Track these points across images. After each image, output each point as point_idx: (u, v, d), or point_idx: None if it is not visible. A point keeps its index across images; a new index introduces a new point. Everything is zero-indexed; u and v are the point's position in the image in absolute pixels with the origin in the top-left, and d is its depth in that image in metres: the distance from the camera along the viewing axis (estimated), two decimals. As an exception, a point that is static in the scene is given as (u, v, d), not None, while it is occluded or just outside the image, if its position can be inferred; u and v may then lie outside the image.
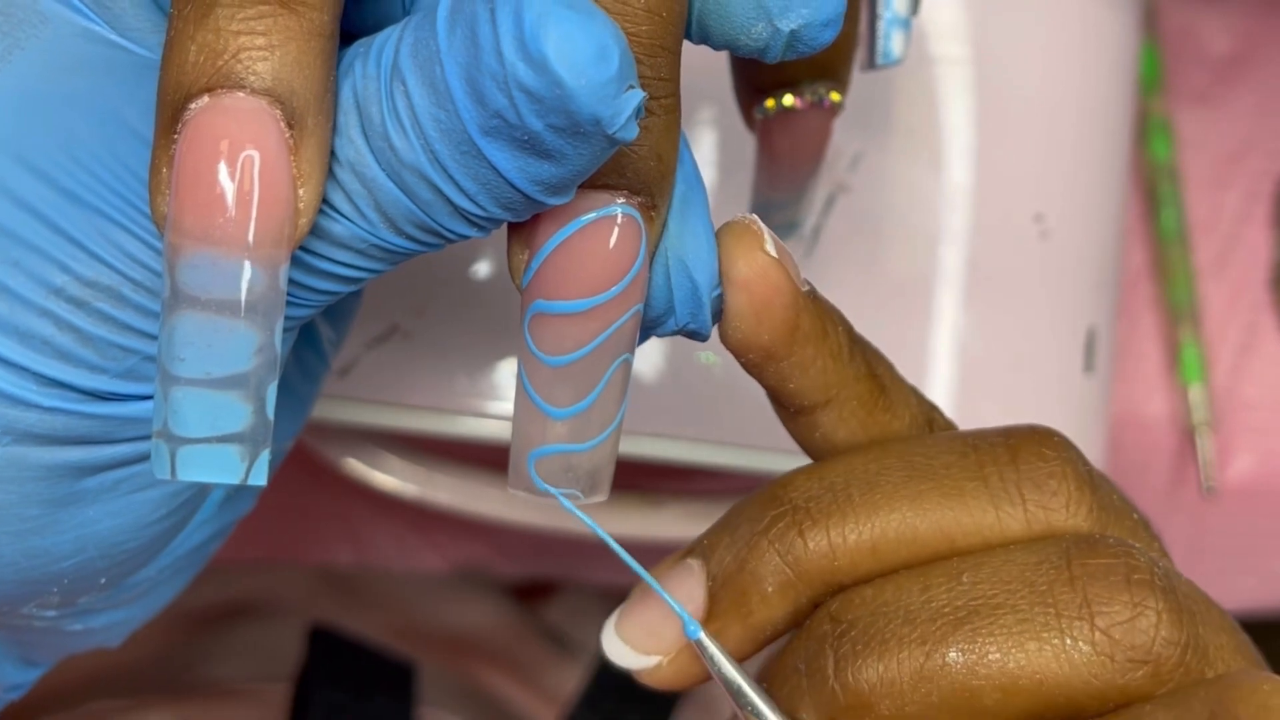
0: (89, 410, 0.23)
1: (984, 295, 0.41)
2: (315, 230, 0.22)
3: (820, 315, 0.26)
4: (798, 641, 0.25)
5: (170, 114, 0.21)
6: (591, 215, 0.23)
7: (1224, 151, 0.53)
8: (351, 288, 0.23)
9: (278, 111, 0.21)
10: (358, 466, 0.45)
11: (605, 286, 0.23)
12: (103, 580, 0.26)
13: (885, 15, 0.32)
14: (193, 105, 0.21)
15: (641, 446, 0.39)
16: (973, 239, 0.41)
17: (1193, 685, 0.23)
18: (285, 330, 0.24)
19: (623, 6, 0.22)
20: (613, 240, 0.23)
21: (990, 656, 0.23)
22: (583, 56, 0.20)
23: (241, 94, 0.21)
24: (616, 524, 0.45)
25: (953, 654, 0.23)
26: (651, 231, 0.24)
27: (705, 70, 0.30)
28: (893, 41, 0.32)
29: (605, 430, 0.25)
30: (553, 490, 0.25)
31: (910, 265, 0.41)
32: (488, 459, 0.46)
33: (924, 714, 0.23)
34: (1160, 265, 0.52)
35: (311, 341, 0.30)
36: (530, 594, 0.57)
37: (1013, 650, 0.23)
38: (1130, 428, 0.52)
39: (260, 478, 0.22)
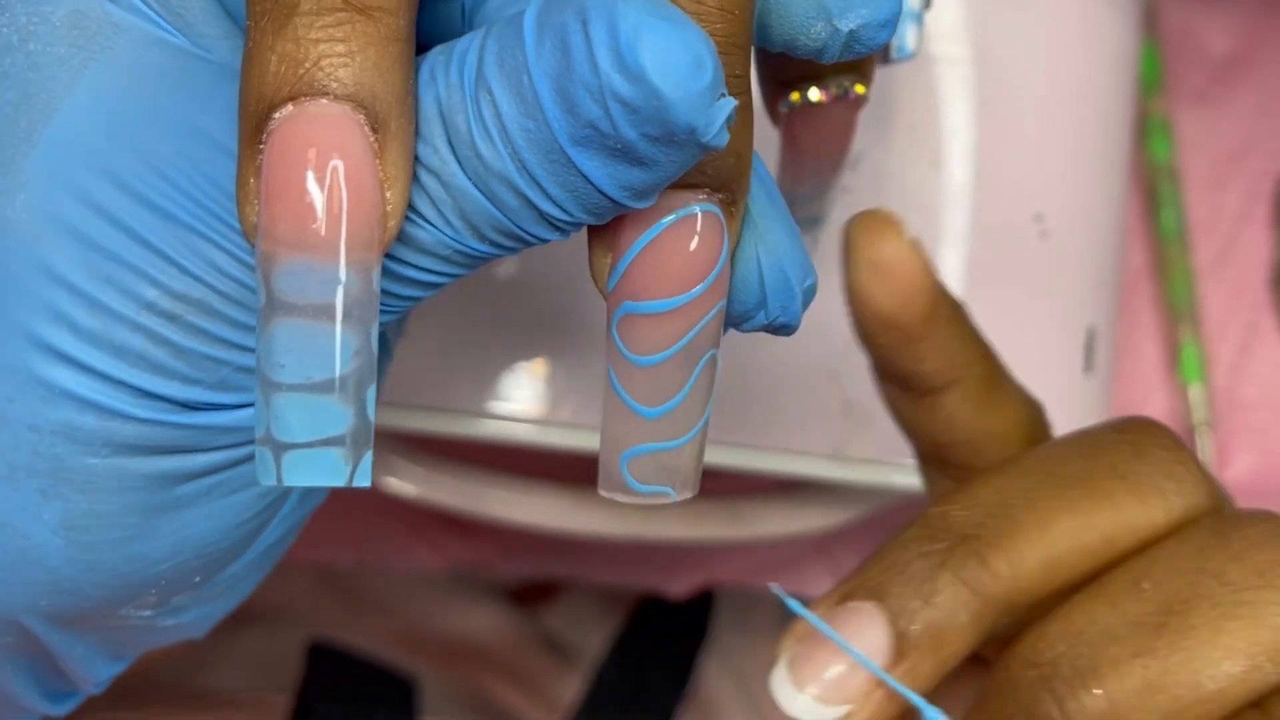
0: (184, 420, 0.23)
1: (984, 295, 0.41)
2: (401, 237, 0.22)
3: (951, 298, 0.27)
4: (1001, 698, 0.25)
5: (254, 124, 0.21)
6: (675, 215, 0.23)
7: (1224, 151, 0.53)
8: (433, 292, 0.24)
9: (361, 116, 0.21)
10: (358, 466, 0.45)
11: (692, 284, 0.23)
12: (197, 579, 0.26)
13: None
14: (277, 115, 0.21)
15: (642, 446, 0.39)
16: (973, 239, 0.41)
17: None
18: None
19: (698, 6, 0.22)
20: (697, 238, 0.23)
21: (1204, 645, 0.24)
22: (679, 67, 0.20)
23: (325, 101, 0.21)
24: (616, 524, 0.45)
25: (1170, 655, 0.24)
26: (733, 227, 0.24)
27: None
28: (906, 36, 0.32)
29: (695, 427, 0.25)
30: (647, 489, 0.25)
31: (910, 265, 0.41)
32: (488, 459, 0.46)
33: None
34: (1160, 265, 0.52)
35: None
36: (530, 597, 0.57)
37: (1220, 634, 0.24)
38: (1130, 428, 0.52)
39: (365, 479, 0.22)
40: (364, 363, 0.22)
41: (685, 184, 0.23)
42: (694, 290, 0.24)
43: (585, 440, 0.39)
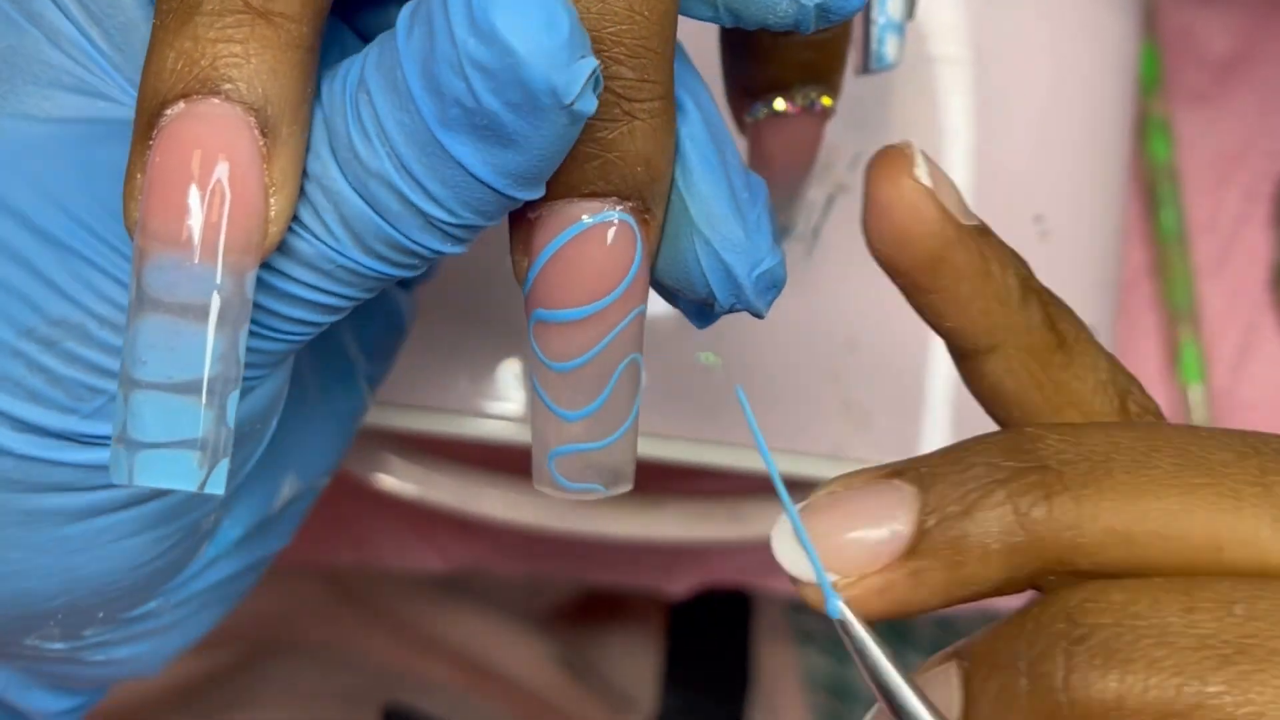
0: (64, 458, 0.23)
1: (984, 295, 0.41)
2: (282, 248, 0.22)
3: (982, 254, 0.25)
4: (1020, 633, 0.21)
5: (146, 120, 0.21)
6: (582, 224, 0.23)
7: (1224, 151, 0.53)
8: (329, 317, 0.23)
9: (252, 119, 0.21)
10: (358, 466, 0.45)
11: (602, 293, 0.23)
12: (100, 614, 0.26)
13: (879, 20, 0.32)
14: (168, 112, 0.21)
15: (641, 446, 0.39)
16: (972, 239, 0.41)
17: None
18: (266, 366, 0.24)
19: (603, 6, 0.22)
20: (605, 247, 0.23)
21: (1256, 705, 0.20)
22: (531, 25, 0.20)
23: (216, 101, 0.21)
24: (617, 524, 0.45)
25: (1213, 692, 0.20)
26: (648, 234, 0.24)
27: (707, 69, 0.30)
28: (887, 46, 0.32)
29: (620, 428, 0.25)
30: (576, 486, 0.25)
31: (910, 265, 0.41)
32: (488, 459, 0.46)
33: None
34: (1160, 265, 0.52)
35: (345, 378, 0.30)
36: (572, 619, 0.57)
37: None
38: (1130, 428, 0.51)
39: (218, 486, 0.22)
40: (228, 367, 0.21)
41: (592, 192, 0.23)
42: (603, 300, 0.23)
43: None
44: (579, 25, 0.20)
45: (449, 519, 0.50)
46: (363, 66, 0.21)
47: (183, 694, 0.48)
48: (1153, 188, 0.53)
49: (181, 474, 0.21)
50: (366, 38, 0.26)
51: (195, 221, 0.21)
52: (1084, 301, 0.43)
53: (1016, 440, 0.23)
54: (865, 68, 0.32)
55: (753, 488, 0.47)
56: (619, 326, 0.24)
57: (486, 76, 0.20)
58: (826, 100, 0.31)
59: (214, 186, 0.21)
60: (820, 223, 0.40)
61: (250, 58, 0.21)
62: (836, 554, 0.22)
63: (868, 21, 0.32)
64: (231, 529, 0.28)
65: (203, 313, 0.21)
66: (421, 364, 0.39)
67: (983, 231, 0.25)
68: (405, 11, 0.21)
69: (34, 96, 0.23)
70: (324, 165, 0.22)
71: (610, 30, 0.22)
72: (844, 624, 0.22)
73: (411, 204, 0.22)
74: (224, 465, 0.22)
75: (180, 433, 0.21)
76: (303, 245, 0.22)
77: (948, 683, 0.22)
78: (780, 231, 0.36)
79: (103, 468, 0.23)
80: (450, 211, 0.22)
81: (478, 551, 0.53)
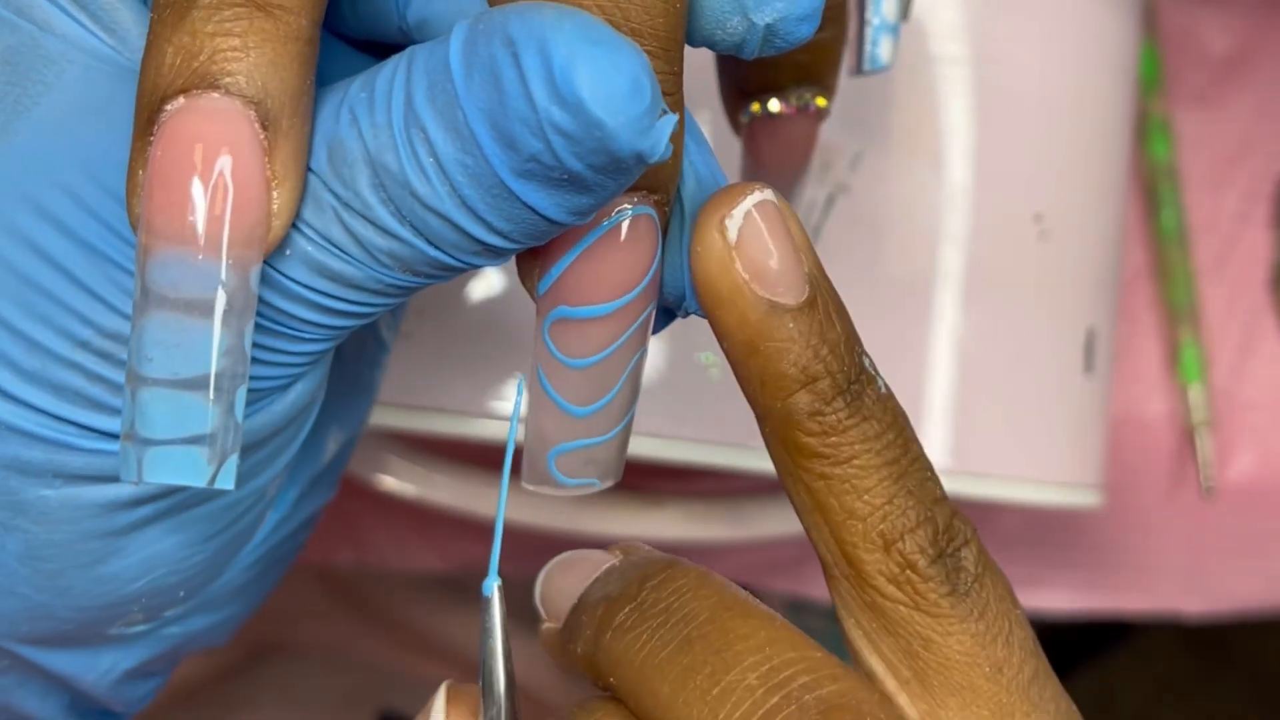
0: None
1: (984, 295, 0.41)
2: (328, 274, 0.22)
3: (760, 331, 0.23)
4: None
5: (147, 116, 0.21)
6: (611, 221, 0.23)
7: (1224, 151, 0.53)
8: (373, 317, 0.23)
9: (252, 113, 0.21)
10: (357, 466, 0.45)
11: (629, 288, 0.23)
12: (181, 593, 0.26)
13: (874, 21, 0.32)
14: (168, 107, 0.21)
15: (641, 446, 0.39)
16: (972, 239, 0.41)
17: None
18: (316, 360, 0.24)
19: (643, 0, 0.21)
20: (634, 242, 0.23)
21: None
22: (618, 93, 0.19)
23: (216, 95, 0.21)
24: (617, 524, 0.45)
25: None
26: (664, 226, 0.24)
27: (703, 69, 0.30)
28: (881, 47, 0.32)
29: (623, 420, 0.25)
30: (574, 482, 0.25)
31: (910, 265, 0.41)
32: (488, 459, 0.46)
33: None
34: (1160, 265, 0.52)
35: (369, 328, 0.30)
36: None
37: None
38: (1130, 428, 0.52)
39: (228, 480, 0.22)
40: (234, 362, 0.21)
41: None
42: (629, 295, 0.23)
43: (585, 440, 0.39)
44: (656, 81, 0.20)
45: (449, 519, 0.50)
46: (408, 95, 0.21)
47: (182, 696, 0.48)
48: (1153, 188, 0.53)
49: (190, 470, 0.21)
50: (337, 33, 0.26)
51: (198, 217, 0.21)
52: (1084, 302, 0.43)
53: (652, 571, 0.25)
54: (859, 69, 0.32)
55: (753, 488, 0.47)
56: (638, 320, 0.24)
57: (571, 143, 0.20)
58: (821, 101, 0.31)
59: (216, 181, 0.21)
60: (820, 223, 0.40)
61: (249, 51, 0.21)
62: (549, 594, 0.27)
63: (862, 23, 0.32)
64: (290, 489, 0.28)
65: (208, 308, 0.21)
66: (422, 364, 0.39)
67: (787, 310, 0.23)
68: (459, 47, 0.21)
69: (44, 93, 0.23)
70: (367, 203, 0.21)
71: (650, 24, 0.22)
72: (487, 600, 0.25)
73: (472, 236, 0.22)
74: (233, 460, 0.22)
75: (188, 429, 0.21)
76: (352, 271, 0.22)
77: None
78: None
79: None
80: (513, 241, 0.22)
81: (477, 551, 0.53)
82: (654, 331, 0.26)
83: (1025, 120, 0.42)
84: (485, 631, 0.25)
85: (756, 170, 0.32)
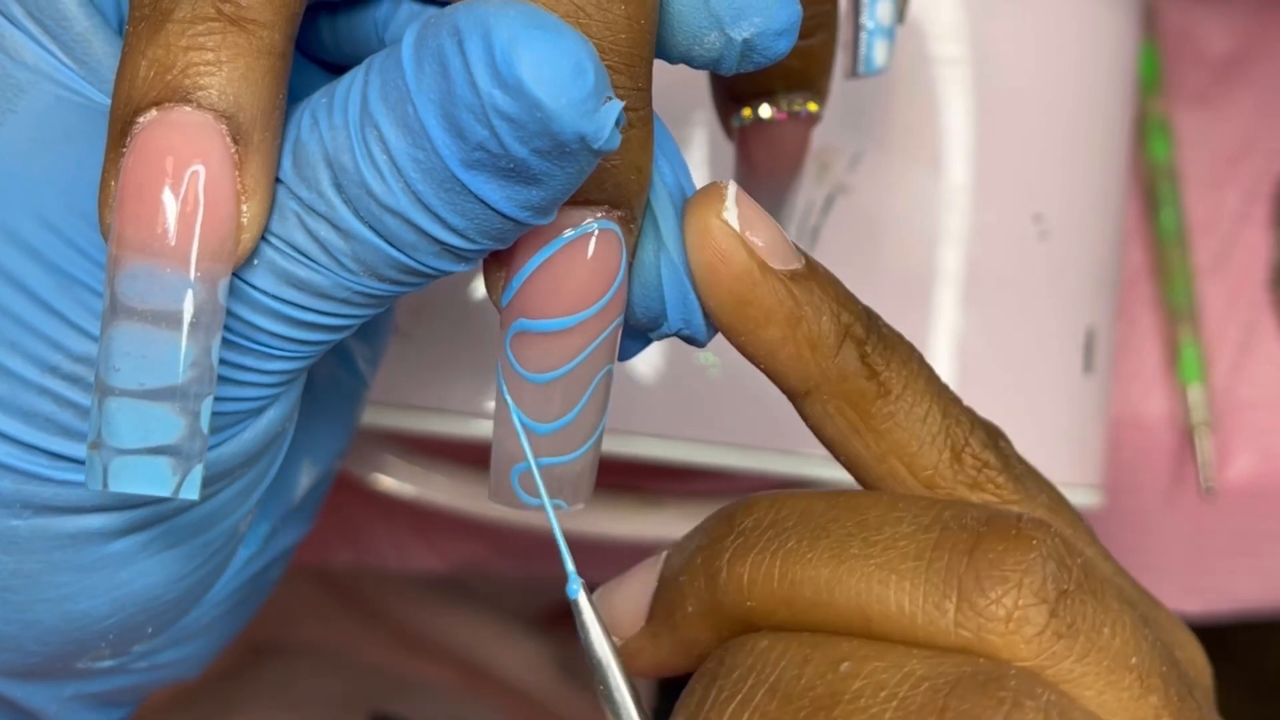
0: None
1: (983, 295, 0.41)
2: (295, 282, 0.22)
3: (794, 297, 0.24)
4: (696, 672, 0.24)
5: (120, 128, 0.21)
6: (573, 233, 0.23)
7: (1223, 151, 0.53)
8: (344, 333, 0.23)
9: (223, 127, 0.21)
10: (357, 466, 0.45)
11: (589, 303, 0.23)
12: (149, 630, 0.26)
13: (869, 25, 0.32)
14: (141, 119, 0.21)
15: (641, 446, 0.39)
16: (972, 239, 0.41)
17: None
18: (291, 379, 0.24)
19: (605, 14, 0.21)
20: (595, 256, 0.23)
21: None
22: (559, 75, 0.20)
23: (188, 109, 0.21)
24: (617, 524, 0.45)
25: None
26: (630, 243, 0.24)
27: (697, 74, 0.30)
28: (875, 51, 0.32)
29: (589, 441, 0.25)
30: (537, 503, 0.25)
31: (909, 265, 0.41)
32: (487, 459, 0.46)
33: None
34: (1159, 265, 0.52)
35: (346, 362, 0.30)
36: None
37: None
38: (1129, 428, 0.51)
39: (192, 491, 0.22)
40: (201, 374, 0.21)
41: (583, 200, 0.23)
42: (590, 309, 0.23)
43: (584, 440, 0.39)
44: (601, 65, 0.20)
45: (447, 519, 0.50)
46: (364, 97, 0.21)
47: (180, 696, 0.48)
48: (1152, 188, 0.53)
49: (155, 480, 0.21)
50: (304, 51, 0.25)
51: (168, 229, 0.21)
52: (1083, 301, 0.43)
53: (733, 507, 0.24)
54: (854, 72, 0.32)
55: (753, 488, 0.47)
56: (600, 336, 0.24)
57: (514, 127, 0.20)
58: (813, 106, 0.31)
59: (187, 193, 0.21)
60: (820, 223, 0.40)
61: (222, 65, 0.21)
62: (611, 616, 0.25)
63: (857, 26, 0.32)
64: (261, 523, 0.28)
65: (175, 320, 0.21)
66: (421, 364, 0.39)
67: (803, 275, 0.24)
68: (410, 43, 0.21)
69: (11, 120, 0.23)
70: (331, 205, 0.21)
71: (611, 39, 0.22)
72: (576, 603, 0.24)
73: (429, 235, 0.22)
74: (198, 470, 0.22)
75: (154, 439, 0.21)
76: (318, 279, 0.22)
77: (651, 570, 0.25)
78: None
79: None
80: (469, 239, 0.22)
81: (476, 552, 0.53)
82: (626, 357, 0.26)
83: (1025, 120, 0.42)
84: (586, 637, 0.24)
85: (750, 175, 0.32)
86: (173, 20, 0.21)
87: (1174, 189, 0.52)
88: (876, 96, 0.40)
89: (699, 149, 0.39)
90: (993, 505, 0.24)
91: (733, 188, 0.24)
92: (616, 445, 0.39)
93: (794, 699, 0.22)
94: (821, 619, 0.23)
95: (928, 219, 0.41)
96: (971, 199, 0.41)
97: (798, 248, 0.25)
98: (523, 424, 0.24)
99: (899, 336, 0.26)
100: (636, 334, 0.25)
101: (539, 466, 0.24)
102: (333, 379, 0.29)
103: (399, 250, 0.22)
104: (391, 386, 0.39)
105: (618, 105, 0.20)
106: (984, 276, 0.41)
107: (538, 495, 0.25)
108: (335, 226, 0.22)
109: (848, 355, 0.25)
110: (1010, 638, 0.22)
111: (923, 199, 0.41)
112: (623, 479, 0.46)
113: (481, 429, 0.39)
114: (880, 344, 0.25)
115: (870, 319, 0.25)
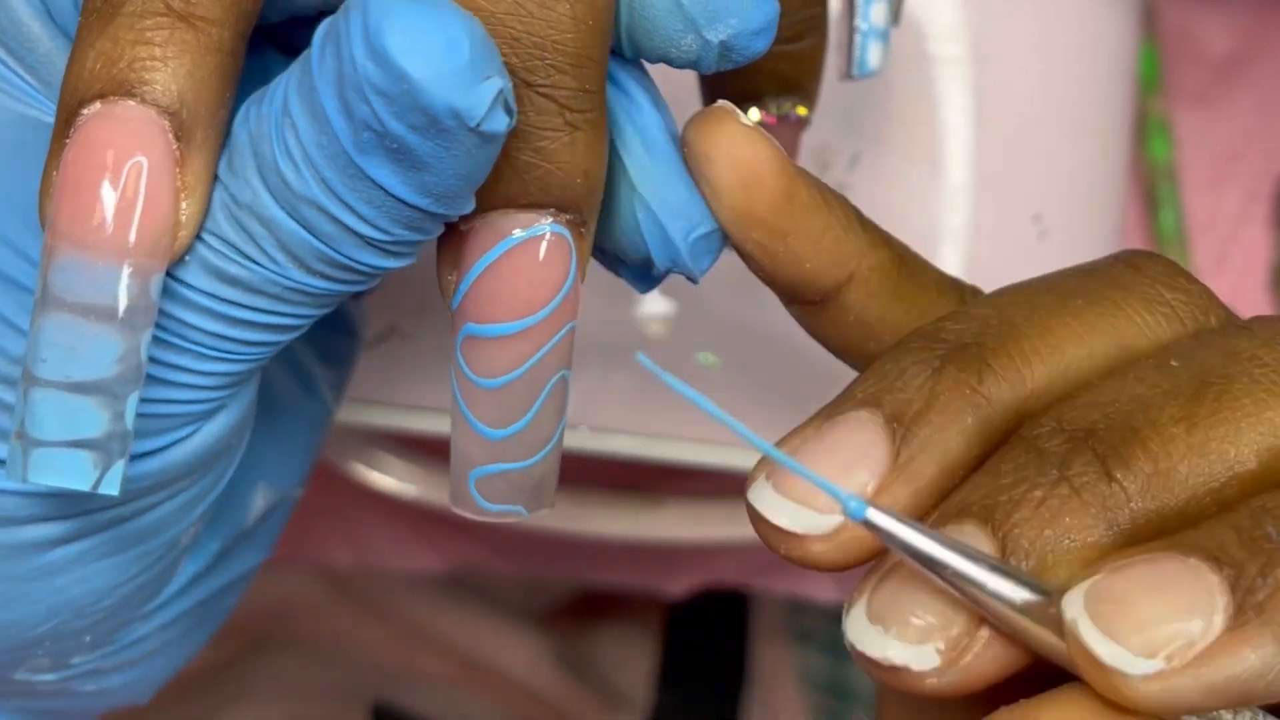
0: (32, 489, 0.23)
1: (983, 295, 0.41)
2: (226, 278, 0.22)
3: (818, 186, 0.25)
4: (1020, 464, 0.22)
5: (64, 119, 0.21)
6: (518, 237, 0.23)
7: (1223, 151, 0.53)
8: (285, 336, 0.23)
9: (166, 123, 0.21)
10: (357, 466, 0.45)
11: (536, 308, 0.23)
12: (87, 639, 0.26)
13: (863, 26, 0.32)
14: (85, 111, 0.21)
15: (642, 447, 0.39)
16: (971, 239, 0.41)
17: None
18: (233, 385, 0.24)
19: (548, 13, 0.21)
20: (541, 261, 0.23)
21: (1248, 418, 0.22)
22: (427, 47, 0.20)
23: (132, 103, 0.21)
24: (616, 524, 0.45)
25: (1212, 423, 0.22)
26: (582, 247, 0.23)
27: (688, 76, 0.30)
28: (869, 53, 0.32)
29: (546, 446, 0.24)
30: (497, 508, 0.24)
31: (909, 265, 0.41)
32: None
33: (1195, 496, 0.21)
34: (1159, 265, 0.52)
35: (308, 386, 0.30)
36: (570, 617, 0.57)
37: (1264, 409, 0.22)
38: (1129, 428, 0.51)
39: (112, 487, 0.21)
40: (128, 369, 0.21)
41: (530, 204, 0.22)
42: (537, 314, 0.23)
43: (584, 440, 0.39)
44: (484, 43, 0.20)
45: (447, 518, 0.50)
46: (285, 89, 0.21)
47: (178, 689, 0.48)
48: (1152, 188, 0.53)
49: (75, 473, 0.21)
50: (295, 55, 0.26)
51: (104, 222, 0.21)
52: (1083, 301, 0.43)
53: (920, 339, 0.24)
54: (848, 74, 0.32)
55: (752, 488, 0.47)
56: (550, 342, 0.23)
57: (387, 101, 0.20)
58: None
59: (125, 188, 0.21)
60: (819, 223, 0.40)
61: (168, 60, 0.21)
62: (841, 481, 0.22)
63: (851, 28, 0.32)
64: (210, 542, 0.28)
65: (106, 314, 0.21)
66: (421, 364, 0.39)
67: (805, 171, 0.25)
68: (320, 31, 0.21)
69: None
70: (255, 193, 0.21)
71: (555, 38, 0.21)
72: (870, 522, 0.21)
73: (344, 225, 0.21)
74: (119, 466, 0.21)
75: (77, 432, 0.21)
76: (247, 274, 0.22)
77: (864, 425, 0.23)
78: None
79: (73, 496, 0.23)
80: (383, 230, 0.22)
81: (475, 551, 0.53)
82: (642, 292, 0.26)
83: (1024, 120, 0.42)
84: (903, 548, 0.21)
85: None
86: (122, 14, 0.21)
87: (1173, 189, 0.52)
88: (876, 97, 0.40)
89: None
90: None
91: (729, 103, 0.24)
92: (616, 445, 0.39)
93: (1172, 399, 0.22)
94: (1090, 369, 0.23)
95: (927, 219, 0.41)
96: (971, 199, 0.41)
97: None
98: (476, 429, 0.24)
99: None
100: (642, 273, 0.25)
101: (496, 472, 0.24)
102: (292, 403, 0.29)
103: (320, 241, 0.22)
104: (392, 386, 0.39)
105: (497, 84, 0.20)
106: (984, 276, 0.41)
107: (499, 501, 0.24)
108: (259, 216, 0.22)
109: (869, 228, 0.26)
110: (1211, 310, 0.24)
111: (922, 199, 0.41)
112: (623, 479, 0.46)
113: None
114: (869, 220, 0.26)
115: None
